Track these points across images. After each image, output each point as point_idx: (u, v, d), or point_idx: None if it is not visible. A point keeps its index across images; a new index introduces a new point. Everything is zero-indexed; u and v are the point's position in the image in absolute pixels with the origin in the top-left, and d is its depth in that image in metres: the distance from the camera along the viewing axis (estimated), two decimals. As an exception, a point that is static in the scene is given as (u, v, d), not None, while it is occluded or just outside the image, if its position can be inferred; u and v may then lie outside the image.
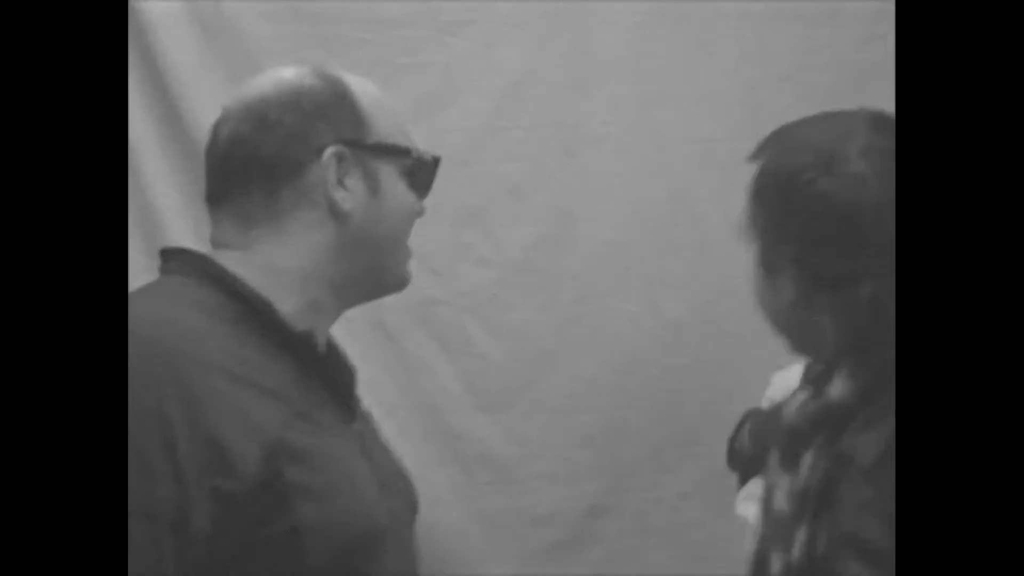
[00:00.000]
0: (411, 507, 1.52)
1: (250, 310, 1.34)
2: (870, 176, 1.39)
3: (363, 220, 1.41)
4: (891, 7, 2.64)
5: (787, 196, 1.44)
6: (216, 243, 1.42)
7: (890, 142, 1.40)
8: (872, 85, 2.72)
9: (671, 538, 2.64)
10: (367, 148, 1.42)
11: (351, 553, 1.29)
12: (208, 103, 2.36)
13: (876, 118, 1.46)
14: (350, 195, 1.40)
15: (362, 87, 1.45)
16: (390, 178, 1.44)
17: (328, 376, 1.40)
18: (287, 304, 1.37)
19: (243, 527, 1.21)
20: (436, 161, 1.50)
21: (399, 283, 1.50)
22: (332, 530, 1.27)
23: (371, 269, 1.45)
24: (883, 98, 2.64)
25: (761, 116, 2.61)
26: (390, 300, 2.42)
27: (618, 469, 2.64)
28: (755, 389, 1.99)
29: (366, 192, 1.42)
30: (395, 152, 1.45)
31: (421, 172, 1.48)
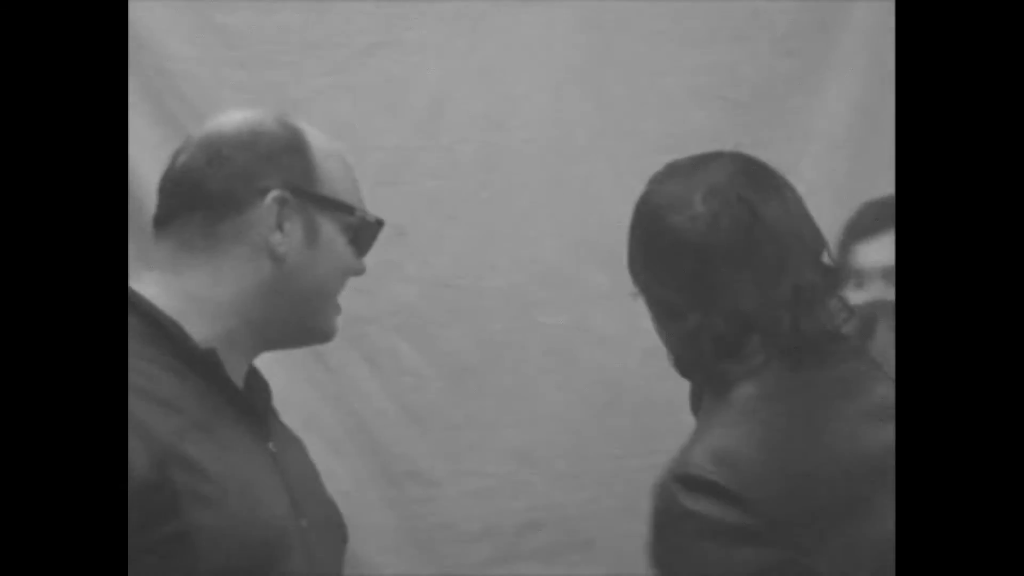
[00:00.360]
0: (336, 535, 1.56)
1: (160, 330, 1.39)
2: (706, 219, 1.54)
3: (296, 266, 1.46)
4: (800, 26, 2.73)
5: (644, 230, 1.64)
6: (149, 264, 1.47)
7: (741, 189, 1.56)
8: (790, 100, 2.76)
9: (607, 552, 2.64)
10: (312, 198, 1.47)
11: (246, 563, 1.32)
12: (132, 129, 2.35)
13: (740, 163, 1.61)
14: (287, 240, 1.45)
15: (321, 142, 1.51)
16: (330, 232, 1.49)
17: (237, 395, 1.44)
18: (202, 330, 1.42)
19: (132, 527, 1.23)
20: (379, 224, 1.57)
21: (323, 335, 1.56)
22: (223, 536, 1.31)
23: (295, 316, 1.50)
24: (801, 113, 2.71)
25: (677, 132, 2.66)
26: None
27: (550, 484, 2.64)
28: (685, 400, 2.01)
29: (303, 240, 1.47)
30: (339, 208, 1.50)
31: (363, 233, 1.55)
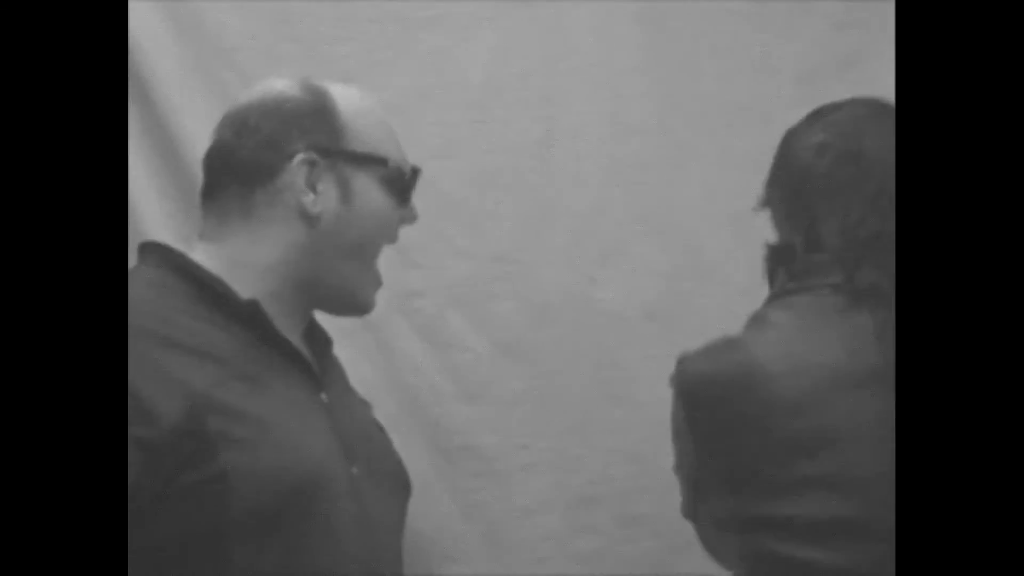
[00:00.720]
0: (395, 485, 1.61)
1: (205, 289, 1.46)
2: (817, 147, 1.67)
3: (333, 223, 1.52)
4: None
5: (776, 154, 1.75)
6: (200, 235, 1.54)
7: (857, 125, 1.66)
8: (850, 73, 2.73)
9: (660, 527, 2.64)
10: (342, 155, 1.52)
11: (284, 504, 1.38)
12: (185, 104, 2.38)
13: (870, 106, 1.71)
14: (320, 199, 1.51)
15: (349, 99, 1.57)
16: (365, 186, 1.54)
17: (283, 345, 1.49)
18: (246, 290, 1.47)
19: (168, 472, 1.31)
20: (415, 172, 1.60)
21: (361, 306, 1.61)
22: (260, 477, 1.36)
23: (338, 274, 1.55)
24: (862, 85, 2.68)
25: (733, 107, 2.65)
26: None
27: (603, 458, 2.64)
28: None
29: (338, 197, 1.52)
30: (370, 161, 1.54)
31: (399, 181, 1.58)
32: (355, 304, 1.60)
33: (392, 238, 1.60)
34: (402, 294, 2.48)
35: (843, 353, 1.55)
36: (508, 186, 2.60)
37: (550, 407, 2.61)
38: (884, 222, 1.57)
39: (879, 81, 2.71)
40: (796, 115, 1.79)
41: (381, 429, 1.69)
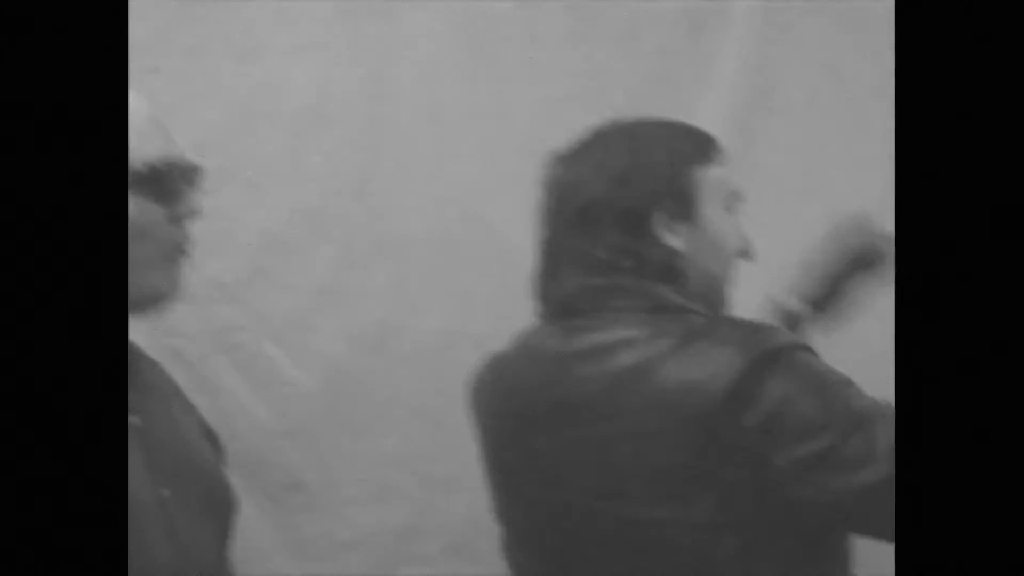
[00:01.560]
0: (211, 502, 1.60)
1: None
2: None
3: None
4: (675, 29, 2.76)
5: None
6: None
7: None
8: (663, 98, 2.79)
9: (485, 556, 2.65)
10: None
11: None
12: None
13: (607, 130, 1.82)
14: None
15: None
16: None
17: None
18: None
19: None
20: (143, 171, 1.50)
21: (157, 295, 1.54)
22: None
23: None
24: (677, 107, 2.74)
25: (552, 134, 2.68)
26: (189, 329, 2.40)
27: (429, 490, 2.64)
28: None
29: None
30: None
31: (146, 183, 1.50)
32: (151, 297, 1.54)
33: (166, 238, 1.52)
34: (222, 329, 2.44)
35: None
36: (329, 218, 2.59)
37: (373, 439, 2.60)
38: (555, 232, 1.72)
39: (691, 114, 2.80)
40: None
41: (211, 440, 1.69)
